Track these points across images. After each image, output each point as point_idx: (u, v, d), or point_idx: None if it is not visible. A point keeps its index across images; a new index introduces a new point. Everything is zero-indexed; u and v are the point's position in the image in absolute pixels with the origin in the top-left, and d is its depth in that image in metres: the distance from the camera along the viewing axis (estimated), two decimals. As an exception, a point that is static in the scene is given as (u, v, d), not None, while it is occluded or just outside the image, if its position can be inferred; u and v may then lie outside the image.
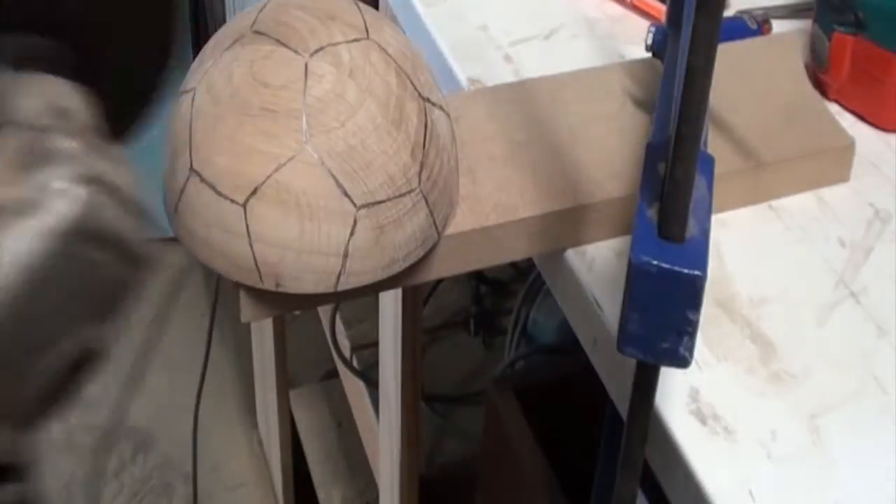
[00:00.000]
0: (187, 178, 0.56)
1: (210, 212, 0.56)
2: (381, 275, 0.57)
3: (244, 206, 0.55)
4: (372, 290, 0.59)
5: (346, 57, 0.57)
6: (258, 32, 0.57)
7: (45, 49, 0.56)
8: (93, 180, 0.50)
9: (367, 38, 0.58)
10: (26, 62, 0.55)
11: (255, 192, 0.55)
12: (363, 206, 0.55)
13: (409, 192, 0.57)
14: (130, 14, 0.60)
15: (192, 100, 0.57)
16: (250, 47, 0.57)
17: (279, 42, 0.56)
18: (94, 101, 0.55)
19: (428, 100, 0.59)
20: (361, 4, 0.60)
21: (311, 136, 0.55)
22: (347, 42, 0.57)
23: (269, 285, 0.56)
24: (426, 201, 0.58)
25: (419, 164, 0.57)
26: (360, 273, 0.57)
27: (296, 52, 0.56)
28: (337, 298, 0.59)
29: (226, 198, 0.55)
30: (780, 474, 0.55)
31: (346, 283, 0.57)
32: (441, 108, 0.60)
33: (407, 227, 0.57)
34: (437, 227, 0.59)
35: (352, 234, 0.56)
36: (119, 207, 0.50)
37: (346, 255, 0.56)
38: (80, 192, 0.49)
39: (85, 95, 0.55)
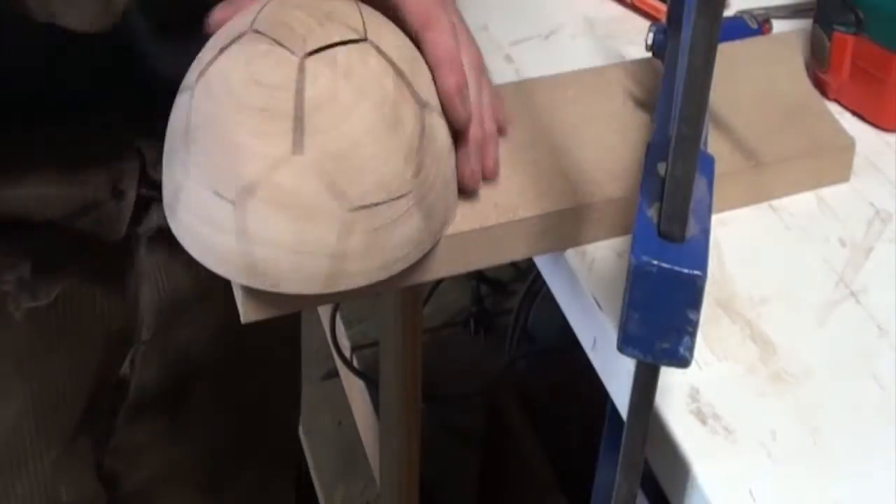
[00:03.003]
0: (184, 176, 0.57)
1: (204, 209, 0.56)
2: (374, 277, 0.57)
3: (236, 204, 0.55)
4: (371, 291, 0.59)
5: (342, 58, 0.56)
6: (257, 31, 0.57)
7: None
8: None
9: (365, 39, 0.58)
10: None
11: (247, 191, 0.54)
12: (356, 209, 0.55)
13: (402, 195, 0.57)
14: None
15: (191, 97, 0.57)
16: (248, 46, 0.57)
17: (276, 42, 0.56)
18: None
19: (426, 105, 0.59)
20: (363, 6, 0.60)
21: (304, 138, 0.55)
22: (344, 43, 0.57)
23: (261, 285, 0.56)
24: (419, 206, 0.58)
25: (414, 169, 0.57)
26: (354, 275, 0.56)
27: (292, 52, 0.56)
28: (337, 298, 0.59)
29: (219, 196, 0.55)
30: (780, 474, 0.55)
31: (339, 285, 0.56)
32: (440, 114, 0.60)
33: (400, 231, 0.57)
34: (431, 233, 0.59)
35: (344, 236, 0.55)
36: None
37: (338, 258, 0.56)
38: None
39: None
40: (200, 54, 0.60)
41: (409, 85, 0.58)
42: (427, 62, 0.60)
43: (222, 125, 0.55)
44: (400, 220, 0.57)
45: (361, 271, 0.57)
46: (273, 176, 0.54)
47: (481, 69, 0.64)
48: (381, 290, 0.59)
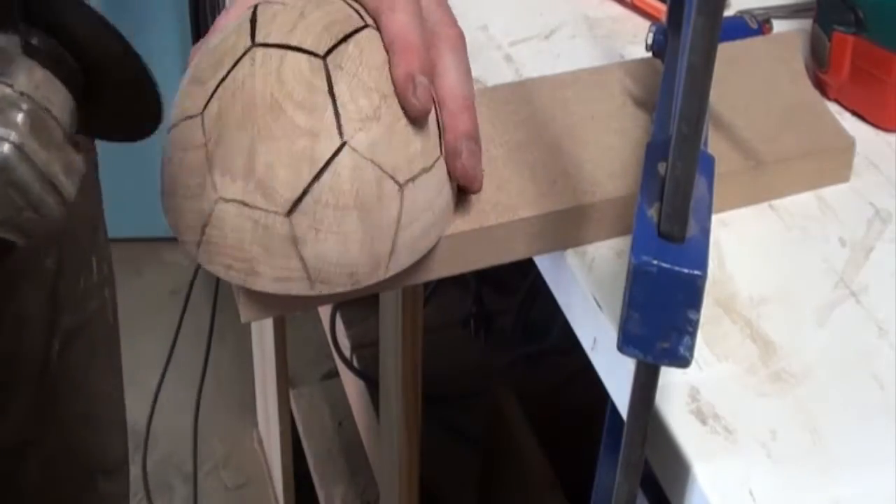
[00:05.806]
0: (214, 204, 0.55)
1: (248, 231, 0.55)
2: (419, 253, 0.58)
3: (289, 217, 0.54)
4: (371, 291, 0.59)
5: (358, 48, 0.57)
6: (262, 44, 0.56)
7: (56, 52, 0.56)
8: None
9: (366, 25, 0.58)
10: (35, 53, 0.55)
11: (298, 201, 0.54)
12: (406, 182, 0.56)
13: (436, 160, 0.58)
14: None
15: (202, 124, 0.56)
16: (260, 58, 0.56)
17: (289, 47, 0.56)
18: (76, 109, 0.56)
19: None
20: None
21: (345, 134, 0.55)
22: (354, 32, 0.57)
23: (319, 290, 0.56)
24: (445, 172, 0.59)
25: (437, 132, 0.58)
26: (407, 252, 0.57)
27: (311, 53, 0.56)
28: (337, 298, 0.58)
29: (267, 211, 0.54)
30: (780, 474, 0.55)
31: (395, 267, 0.57)
32: None
33: (436, 193, 0.58)
34: (453, 192, 0.61)
35: (399, 213, 0.56)
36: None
37: (396, 235, 0.56)
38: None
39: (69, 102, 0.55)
40: (193, 77, 0.58)
41: None
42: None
43: (256, 143, 0.54)
44: (436, 184, 0.58)
45: (416, 247, 0.58)
46: (324, 181, 0.54)
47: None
48: (384, 289, 0.60)
